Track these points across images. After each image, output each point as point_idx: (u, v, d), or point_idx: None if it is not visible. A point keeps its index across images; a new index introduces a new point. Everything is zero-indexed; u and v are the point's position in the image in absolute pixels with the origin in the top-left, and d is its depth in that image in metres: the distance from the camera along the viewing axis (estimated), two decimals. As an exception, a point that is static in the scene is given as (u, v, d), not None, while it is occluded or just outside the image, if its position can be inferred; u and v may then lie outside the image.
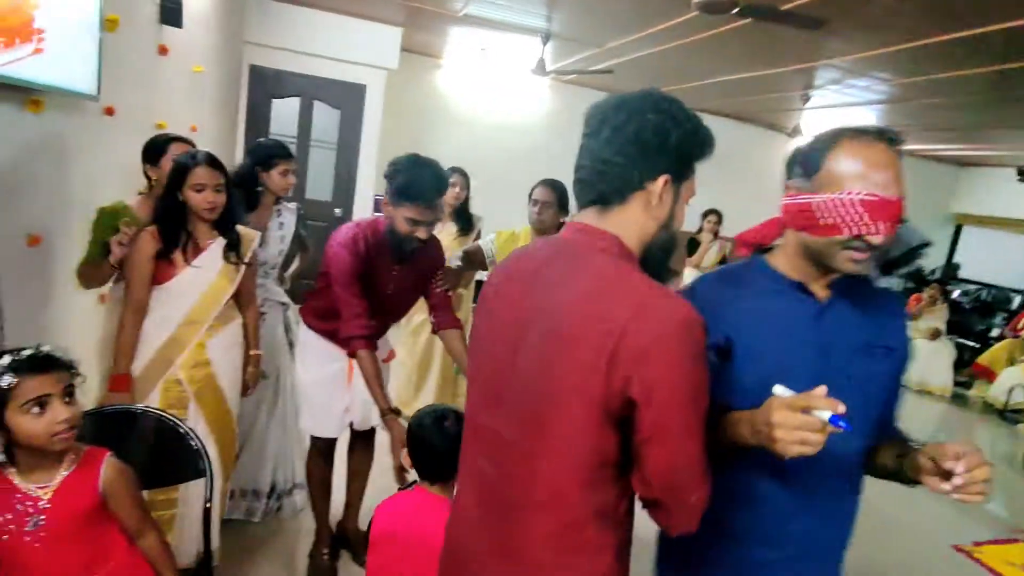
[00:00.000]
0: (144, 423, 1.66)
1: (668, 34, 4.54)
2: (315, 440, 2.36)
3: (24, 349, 1.25)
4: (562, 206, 2.66)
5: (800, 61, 4.84)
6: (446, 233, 3.57)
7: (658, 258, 1.00)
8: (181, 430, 1.64)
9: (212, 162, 1.99)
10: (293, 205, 2.70)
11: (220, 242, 2.06)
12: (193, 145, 2.37)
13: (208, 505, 1.61)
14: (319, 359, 2.26)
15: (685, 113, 0.97)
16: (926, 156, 8.97)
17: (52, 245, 2.01)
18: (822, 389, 0.86)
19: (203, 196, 1.95)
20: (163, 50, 3.04)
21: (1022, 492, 4.65)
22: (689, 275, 5.76)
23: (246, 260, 2.12)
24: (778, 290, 1.10)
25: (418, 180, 1.88)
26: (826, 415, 0.84)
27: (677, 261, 3.79)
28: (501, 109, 7.17)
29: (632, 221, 0.96)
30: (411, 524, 1.51)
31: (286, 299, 2.71)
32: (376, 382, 1.95)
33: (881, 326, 1.12)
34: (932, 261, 9.40)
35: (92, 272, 2.10)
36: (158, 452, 1.62)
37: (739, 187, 8.12)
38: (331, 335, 2.19)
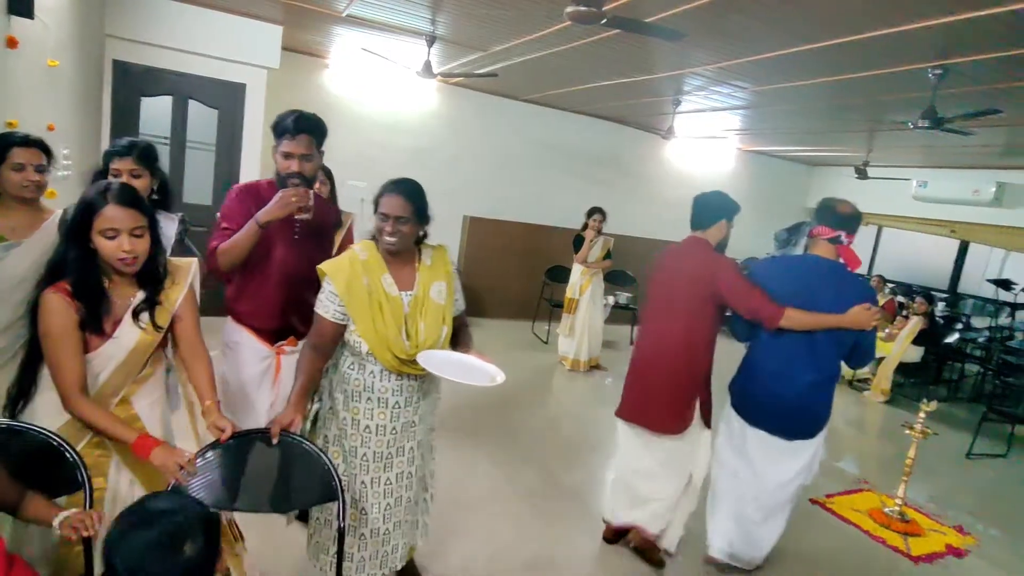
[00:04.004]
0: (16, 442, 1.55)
1: (547, 41, 4.76)
2: None
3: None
4: (420, 217, 2.00)
5: (669, 69, 5.24)
6: None
7: (722, 247, 2.72)
8: (54, 442, 1.56)
9: (127, 199, 1.59)
10: (176, 215, 2.46)
11: (140, 297, 1.69)
12: (44, 148, 2.10)
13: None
14: (250, 358, 2.33)
15: (728, 197, 2.74)
16: (782, 157, 9.93)
17: None
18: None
19: (116, 244, 1.57)
20: (12, 42, 2.81)
21: (866, 450, 5.31)
22: (576, 271, 6.04)
23: (181, 297, 1.77)
24: None
25: (280, 117, 2.25)
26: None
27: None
28: (390, 110, 7.15)
29: (713, 235, 2.69)
30: None
31: None
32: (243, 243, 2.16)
33: None
34: (792, 251, 10.40)
35: None
36: (32, 470, 1.52)
37: (619, 186, 8.60)
38: (259, 329, 2.34)
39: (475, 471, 3.61)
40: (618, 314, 7.35)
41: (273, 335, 2.37)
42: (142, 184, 2.22)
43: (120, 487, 1.71)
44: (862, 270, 10.01)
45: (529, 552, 2.91)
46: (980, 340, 7.40)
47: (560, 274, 6.95)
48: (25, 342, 1.66)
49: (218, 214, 2.28)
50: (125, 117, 5.20)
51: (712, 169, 9.54)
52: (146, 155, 2.25)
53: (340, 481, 1.77)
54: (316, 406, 2.20)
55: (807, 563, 3.12)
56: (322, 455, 1.81)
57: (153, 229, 1.66)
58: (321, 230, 2.46)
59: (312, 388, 2.03)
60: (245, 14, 5.32)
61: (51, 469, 1.55)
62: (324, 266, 1.97)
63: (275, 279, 2.31)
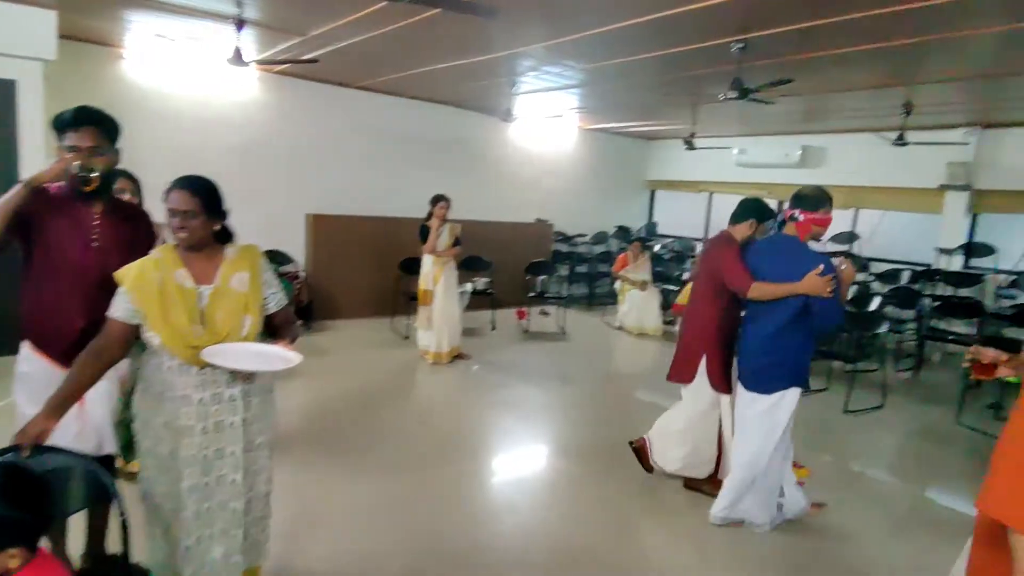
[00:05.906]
0: None
1: (366, 23, 4.51)
2: None
3: None
4: (211, 212, 1.96)
5: (499, 50, 5.18)
6: None
7: (747, 243, 3.25)
8: None
9: None
10: None
11: None
12: None
13: None
14: (44, 389, 1.97)
15: (764, 204, 3.36)
16: (620, 133, 10.38)
17: None
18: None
19: None
20: None
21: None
22: (427, 262, 5.88)
23: None
24: None
25: (59, 113, 2.11)
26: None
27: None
28: (205, 103, 6.48)
29: (739, 231, 3.31)
30: None
31: None
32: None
33: None
34: (636, 222, 10.99)
35: None
36: None
37: (465, 171, 8.53)
38: (57, 351, 2.12)
39: (338, 485, 3.37)
40: (478, 300, 7.30)
41: (72, 358, 2.05)
42: None
43: None
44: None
45: (401, 562, 2.74)
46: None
47: (413, 266, 6.74)
48: None
49: None
50: None
51: (555, 149, 9.75)
52: None
53: (112, 482, 1.78)
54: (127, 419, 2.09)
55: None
56: (82, 459, 1.82)
57: None
58: (132, 241, 2.25)
59: (75, 399, 1.90)
60: (5, -2, 4.52)
61: None
62: (117, 272, 1.91)
63: (73, 288, 2.14)
